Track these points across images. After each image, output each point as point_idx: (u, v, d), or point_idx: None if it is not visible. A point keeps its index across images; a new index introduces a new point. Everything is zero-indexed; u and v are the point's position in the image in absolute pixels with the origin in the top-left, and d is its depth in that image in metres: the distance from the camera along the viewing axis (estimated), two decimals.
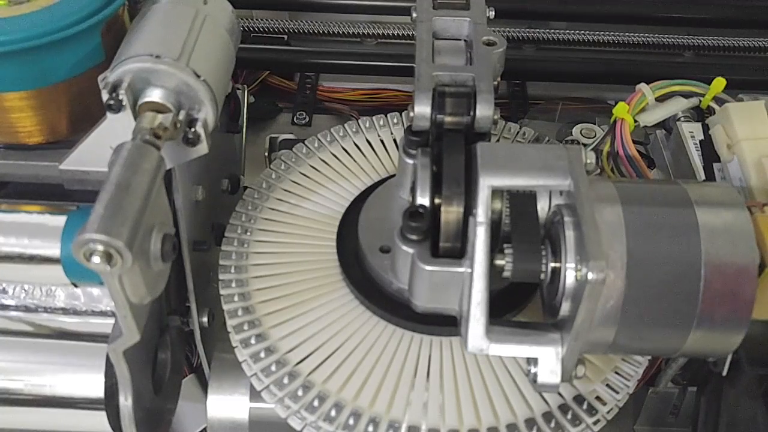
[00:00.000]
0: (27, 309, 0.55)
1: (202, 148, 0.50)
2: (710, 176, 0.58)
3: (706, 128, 0.61)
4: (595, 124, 0.80)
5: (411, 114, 0.50)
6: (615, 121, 0.62)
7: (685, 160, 0.61)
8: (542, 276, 0.45)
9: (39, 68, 0.50)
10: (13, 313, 0.55)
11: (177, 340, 0.61)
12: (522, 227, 0.46)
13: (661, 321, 0.45)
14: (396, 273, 0.51)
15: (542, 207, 0.47)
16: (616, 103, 0.64)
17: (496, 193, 0.46)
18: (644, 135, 0.68)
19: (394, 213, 0.52)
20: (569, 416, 0.49)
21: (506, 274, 0.45)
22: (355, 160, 0.63)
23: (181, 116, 0.48)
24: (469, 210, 0.46)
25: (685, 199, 0.46)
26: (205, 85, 0.49)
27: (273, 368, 0.51)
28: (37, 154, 0.53)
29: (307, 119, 0.89)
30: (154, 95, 0.48)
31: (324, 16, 0.94)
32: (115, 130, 0.48)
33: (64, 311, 0.55)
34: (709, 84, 0.63)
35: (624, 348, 0.48)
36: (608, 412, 0.50)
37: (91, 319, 0.54)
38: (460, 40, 0.56)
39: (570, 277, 0.43)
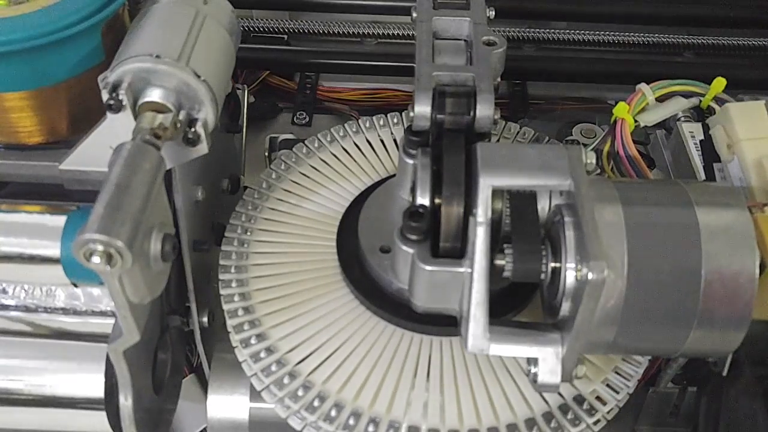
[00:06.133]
0: (27, 309, 0.55)
1: (202, 148, 0.50)
2: (710, 176, 0.58)
3: (706, 128, 0.61)
4: (595, 124, 0.80)
5: (411, 114, 0.50)
6: (615, 121, 0.62)
7: (685, 160, 0.61)
8: (542, 276, 0.45)
9: (39, 68, 0.50)
10: (13, 313, 0.55)
11: (177, 340, 0.61)
12: (522, 227, 0.46)
13: (661, 321, 0.45)
14: (396, 273, 0.51)
15: (542, 207, 0.47)
16: (616, 103, 0.64)
17: (496, 193, 0.46)
18: (644, 135, 0.68)
19: (394, 213, 0.52)
20: (569, 416, 0.49)
21: (506, 274, 0.45)
22: (355, 160, 0.63)
23: (181, 116, 0.48)
24: (469, 210, 0.46)
25: (685, 200, 0.46)
26: (205, 85, 0.49)
27: (273, 368, 0.51)
28: (37, 154, 0.53)
29: (307, 119, 0.88)
30: (154, 95, 0.48)
31: (324, 16, 0.94)
32: (115, 130, 0.48)
33: (64, 311, 0.55)
34: (709, 84, 0.63)
35: (624, 348, 0.48)
36: (608, 412, 0.50)
37: (91, 319, 0.54)
38: (460, 40, 0.56)
39: (570, 277, 0.43)
